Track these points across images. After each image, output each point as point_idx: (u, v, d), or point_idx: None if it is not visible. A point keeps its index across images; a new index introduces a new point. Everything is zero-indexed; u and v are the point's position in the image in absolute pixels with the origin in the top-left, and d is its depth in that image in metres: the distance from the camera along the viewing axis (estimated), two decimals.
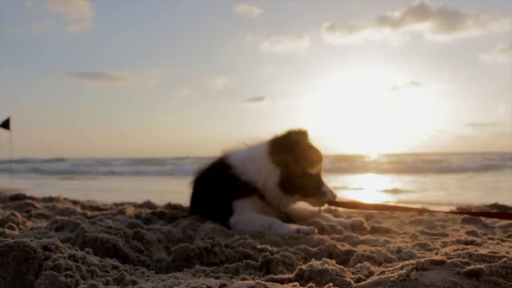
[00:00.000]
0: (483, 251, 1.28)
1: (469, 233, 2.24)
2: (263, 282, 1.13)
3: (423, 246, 1.88)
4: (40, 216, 2.81)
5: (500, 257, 1.20)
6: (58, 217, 2.23)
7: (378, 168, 16.90)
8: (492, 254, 1.24)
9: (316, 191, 2.51)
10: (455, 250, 1.36)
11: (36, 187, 9.08)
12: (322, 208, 2.64)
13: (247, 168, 2.50)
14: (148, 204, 3.44)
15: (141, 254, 1.78)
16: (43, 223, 2.46)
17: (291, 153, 2.44)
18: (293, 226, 2.24)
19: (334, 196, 2.55)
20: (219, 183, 2.58)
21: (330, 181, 2.87)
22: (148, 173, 16.23)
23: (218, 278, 1.39)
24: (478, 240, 1.97)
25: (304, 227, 2.21)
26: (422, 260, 1.21)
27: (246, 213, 2.41)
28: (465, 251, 1.30)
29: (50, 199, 3.79)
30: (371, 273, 1.34)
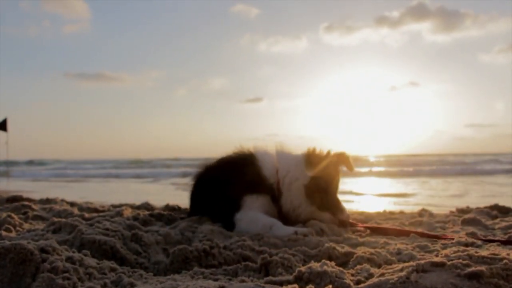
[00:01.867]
0: (483, 253, 1.28)
1: (469, 234, 2.23)
2: (262, 284, 1.12)
3: (423, 248, 1.87)
4: (37, 218, 2.80)
5: (501, 259, 1.20)
6: (55, 219, 2.22)
7: (377, 169, 16.91)
8: (492, 256, 1.23)
9: (335, 208, 2.55)
10: (455, 252, 1.35)
11: (33, 189, 9.05)
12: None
13: (276, 165, 2.53)
14: (146, 206, 3.43)
15: (139, 256, 1.77)
16: (40, 225, 2.44)
17: (326, 169, 2.51)
18: (292, 228, 2.23)
19: (347, 217, 2.58)
20: (237, 175, 2.56)
21: None
22: (146, 175, 16.20)
23: (216, 280, 1.38)
24: (479, 242, 1.96)
25: (302, 229, 2.21)
26: (422, 262, 1.20)
27: (252, 211, 2.40)
28: (466, 253, 1.29)
29: (47, 201, 3.77)
30: (370, 275, 1.33)
